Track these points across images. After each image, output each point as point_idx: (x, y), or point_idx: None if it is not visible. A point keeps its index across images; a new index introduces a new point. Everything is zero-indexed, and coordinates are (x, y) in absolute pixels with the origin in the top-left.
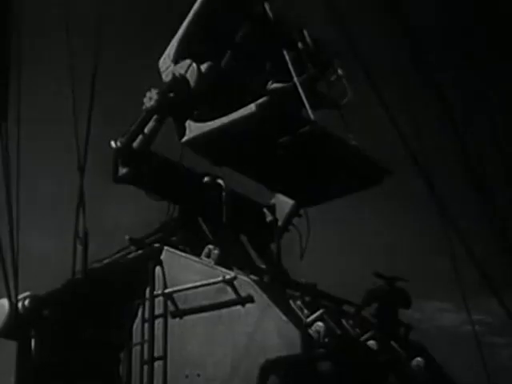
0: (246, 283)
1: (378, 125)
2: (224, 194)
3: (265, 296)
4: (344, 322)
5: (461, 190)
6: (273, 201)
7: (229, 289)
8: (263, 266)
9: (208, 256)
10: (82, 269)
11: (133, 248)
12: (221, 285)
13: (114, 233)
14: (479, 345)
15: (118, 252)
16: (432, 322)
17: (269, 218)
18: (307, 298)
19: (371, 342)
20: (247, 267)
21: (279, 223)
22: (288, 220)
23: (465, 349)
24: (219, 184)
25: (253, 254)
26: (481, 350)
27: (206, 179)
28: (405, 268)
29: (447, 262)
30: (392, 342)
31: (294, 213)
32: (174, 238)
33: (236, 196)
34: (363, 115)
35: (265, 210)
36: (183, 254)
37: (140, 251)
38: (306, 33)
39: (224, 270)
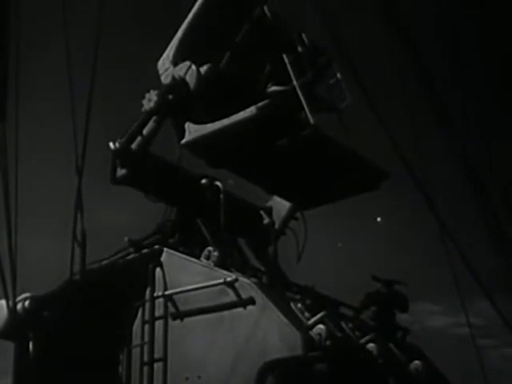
0: (247, 285)
1: (376, 128)
2: (222, 196)
3: (266, 298)
4: (344, 324)
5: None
6: (269, 203)
7: (230, 291)
8: (261, 268)
9: (208, 258)
10: (79, 270)
11: (131, 249)
12: (222, 287)
13: (111, 234)
14: (477, 348)
15: (116, 253)
16: (421, 324)
17: (266, 220)
18: (308, 301)
19: (371, 345)
20: (246, 269)
21: (276, 226)
22: (284, 223)
23: (454, 351)
24: (217, 186)
25: (250, 256)
26: (478, 354)
27: (203, 181)
28: (394, 270)
29: (437, 264)
30: (390, 345)
31: (290, 216)
32: (171, 240)
33: (233, 198)
34: (361, 118)
35: (262, 212)
36: (183, 255)
37: (139, 253)
38: (304, 36)
39: (225, 272)
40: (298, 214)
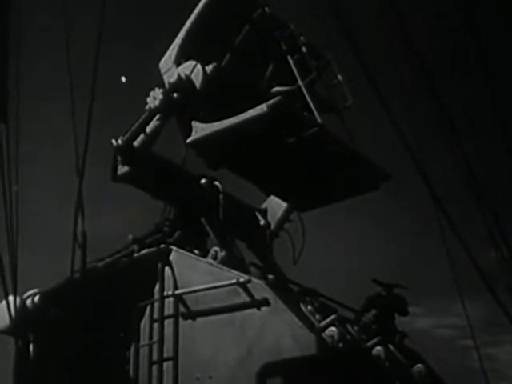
0: (259, 286)
1: (376, 129)
2: (221, 196)
3: (278, 299)
4: (349, 327)
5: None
6: (265, 204)
7: (241, 291)
8: (265, 269)
9: (214, 258)
10: (80, 268)
11: (135, 248)
12: (233, 287)
13: (110, 235)
14: (477, 349)
15: (119, 251)
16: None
17: (261, 221)
18: (316, 303)
19: (378, 348)
20: (248, 270)
21: (271, 227)
22: (279, 225)
23: (437, 352)
24: (216, 186)
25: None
26: (480, 359)
27: (202, 181)
28: (377, 272)
29: (419, 264)
30: (392, 349)
31: (285, 218)
32: (169, 240)
33: (231, 199)
34: (362, 119)
35: (257, 213)
36: (193, 255)
37: (145, 251)
38: (303, 38)
39: (235, 272)
40: (293, 217)
